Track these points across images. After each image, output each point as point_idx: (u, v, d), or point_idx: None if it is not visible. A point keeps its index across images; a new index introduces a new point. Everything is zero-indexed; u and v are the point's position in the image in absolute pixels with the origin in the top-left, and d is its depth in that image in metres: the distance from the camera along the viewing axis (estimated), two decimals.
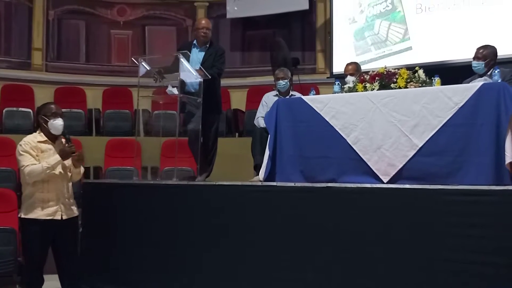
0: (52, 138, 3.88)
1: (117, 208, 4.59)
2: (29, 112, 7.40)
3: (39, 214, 3.77)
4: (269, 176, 4.33)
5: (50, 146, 3.85)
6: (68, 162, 3.90)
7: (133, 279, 4.44)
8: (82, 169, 4.05)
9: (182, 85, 4.88)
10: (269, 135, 4.43)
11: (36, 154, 3.78)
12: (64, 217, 3.84)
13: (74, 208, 3.98)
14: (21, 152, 3.78)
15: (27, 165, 3.72)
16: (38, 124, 3.98)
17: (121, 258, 4.52)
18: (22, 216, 3.82)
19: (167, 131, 5.90)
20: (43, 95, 7.96)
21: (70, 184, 3.98)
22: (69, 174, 3.94)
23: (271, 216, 3.90)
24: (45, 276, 3.87)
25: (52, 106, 3.94)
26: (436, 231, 3.34)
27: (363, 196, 3.62)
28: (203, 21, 5.31)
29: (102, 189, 4.83)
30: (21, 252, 4.82)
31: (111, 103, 8.08)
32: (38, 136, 3.87)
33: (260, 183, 4.26)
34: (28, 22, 8.34)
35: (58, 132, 3.87)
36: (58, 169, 3.82)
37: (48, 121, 3.83)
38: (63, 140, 3.94)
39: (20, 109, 7.44)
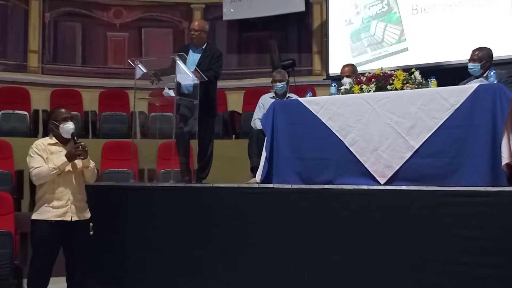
0: (63, 141, 3.92)
1: (114, 210, 4.58)
2: (25, 114, 7.39)
3: (49, 215, 3.79)
4: (266, 178, 4.34)
5: (61, 149, 3.89)
6: (79, 163, 3.91)
7: (130, 281, 4.43)
8: (91, 164, 4.00)
9: (178, 87, 4.88)
10: (266, 137, 4.44)
11: (46, 156, 3.82)
12: (74, 219, 3.84)
13: (86, 211, 3.98)
14: (31, 154, 3.83)
15: (36, 167, 3.76)
16: (49, 128, 4.00)
17: (119, 260, 4.51)
18: (34, 217, 3.84)
19: (163, 133, 5.89)
20: (39, 98, 7.96)
21: (83, 186, 3.99)
22: (82, 176, 3.96)
23: (268, 218, 3.90)
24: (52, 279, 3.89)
25: (62, 110, 3.97)
26: (433, 232, 3.34)
27: (360, 197, 3.63)
28: (194, 23, 5.34)
29: (99, 192, 4.81)
30: (18, 256, 4.83)
31: (107, 105, 8.06)
32: (49, 139, 3.92)
33: (257, 185, 4.26)
34: (24, 25, 8.32)
35: (69, 135, 3.90)
36: (69, 170, 3.83)
37: (59, 126, 3.87)
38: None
39: (16, 111, 7.41)
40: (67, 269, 3.93)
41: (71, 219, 3.82)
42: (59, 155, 3.84)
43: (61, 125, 3.87)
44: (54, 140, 3.91)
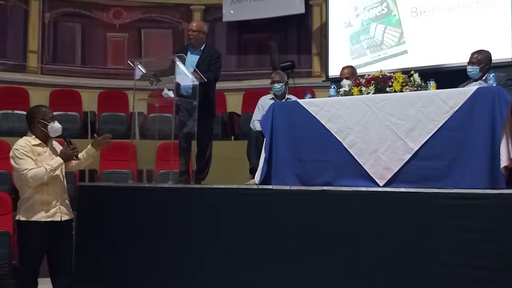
0: (44, 141, 3.88)
1: (112, 211, 4.58)
2: (24, 115, 7.37)
3: (39, 216, 3.75)
4: (265, 179, 4.33)
5: (46, 149, 3.86)
6: (66, 164, 3.92)
7: (128, 282, 4.42)
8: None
9: (177, 88, 4.88)
10: (265, 138, 4.44)
11: (35, 158, 3.76)
12: (63, 219, 3.84)
13: (71, 210, 3.99)
14: (19, 156, 3.73)
15: (30, 169, 3.69)
16: (30, 127, 3.92)
17: (117, 261, 4.51)
18: (21, 219, 3.77)
19: (162, 134, 5.90)
20: (38, 98, 7.95)
21: (66, 185, 4.00)
22: (64, 176, 3.97)
23: (267, 219, 3.90)
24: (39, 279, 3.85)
25: (46, 109, 3.94)
26: (431, 235, 3.35)
27: (359, 199, 3.63)
28: (193, 24, 5.34)
29: (97, 192, 4.82)
30: (16, 256, 4.81)
31: (106, 106, 8.07)
32: (32, 140, 3.84)
33: (255, 186, 4.26)
34: (24, 25, 8.34)
35: (57, 134, 3.87)
36: (57, 171, 3.82)
37: (47, 125, 3.82)
38: (54, 142, 3.96)
39: (15, 111, 7.41)
40: (51, 270, 3.86)
41: (61, 219, 3.81)
42: (45, 156, 3.81)
43: (50, 124, 3.82)
44: (37, 141, 3.82)
